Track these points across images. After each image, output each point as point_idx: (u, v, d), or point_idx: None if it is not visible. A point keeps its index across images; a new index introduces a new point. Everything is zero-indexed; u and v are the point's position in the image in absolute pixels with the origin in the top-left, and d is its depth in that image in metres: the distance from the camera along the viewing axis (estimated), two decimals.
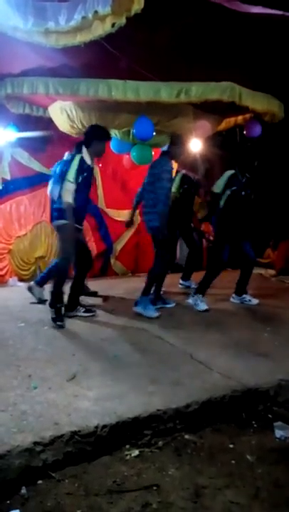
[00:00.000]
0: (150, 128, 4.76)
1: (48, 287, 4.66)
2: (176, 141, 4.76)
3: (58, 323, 4.08)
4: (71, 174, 4.11)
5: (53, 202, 4.42)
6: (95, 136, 4.30)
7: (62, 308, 4.24)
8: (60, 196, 4.15)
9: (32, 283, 5.02)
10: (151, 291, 4.68)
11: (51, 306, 4.17)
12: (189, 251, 6.04)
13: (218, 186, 4.88)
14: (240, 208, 4.91)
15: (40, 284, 4.93)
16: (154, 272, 4.67)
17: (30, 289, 4.95)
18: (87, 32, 3.35)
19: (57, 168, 4.34)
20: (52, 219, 4.49)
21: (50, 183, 4.41)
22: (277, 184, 7.47)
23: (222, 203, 4.88)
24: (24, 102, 5.52)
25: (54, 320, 4.10)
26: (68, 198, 4.09)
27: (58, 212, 4.25)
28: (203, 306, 4.77)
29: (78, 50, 3.53)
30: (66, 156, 4.38)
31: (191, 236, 6.00)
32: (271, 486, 2.08)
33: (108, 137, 4.51)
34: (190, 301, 4.90)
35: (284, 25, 3.88)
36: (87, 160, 4.25)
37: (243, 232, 5.05)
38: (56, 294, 4.20)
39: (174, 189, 5.44)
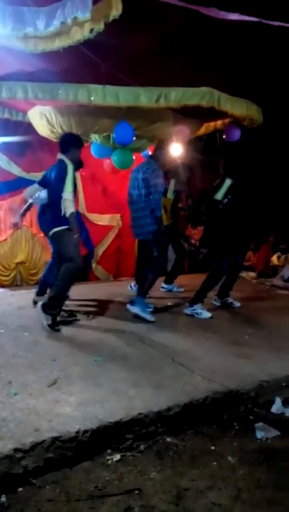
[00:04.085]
0: (130, 133, 4.78)
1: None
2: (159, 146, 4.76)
3: (56, 327, 4.04)
4: (69, 186, 4.10)
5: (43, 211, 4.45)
6: (72, 144, 4.26)
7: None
8: (56, 204, 4.12)
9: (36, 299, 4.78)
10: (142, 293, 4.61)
11: (51, 310, 4.07)
12: (177, 256, 5.96)
13: (220, 194, 4.70)
14: (235, 216, 4.87)
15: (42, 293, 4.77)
16: (152, 275, 4.57)
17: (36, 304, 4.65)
18: (66, 37, 3.37)
19: (51, 174, 4.27)
20: (45, 227, 4.45)
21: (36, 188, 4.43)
22: (257, 188, 7.58)
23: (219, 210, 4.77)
24: (3, 107, 5.50)
25: (52, 326, 4.03)
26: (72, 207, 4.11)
27: (55, 219, 4.18)
28: (206, 314, 4.65)
29: (57, 55, 3.55)
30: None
31: (179, 241, 6.00)
32: (252, 487, 2.10)
33: (82, 145, 4.48)
34: (187, 311, 4.68)
35: (261, 32, 3.96)
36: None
37: (237, 239, 5.07)
38: (61, 298, 4.19)
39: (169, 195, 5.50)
